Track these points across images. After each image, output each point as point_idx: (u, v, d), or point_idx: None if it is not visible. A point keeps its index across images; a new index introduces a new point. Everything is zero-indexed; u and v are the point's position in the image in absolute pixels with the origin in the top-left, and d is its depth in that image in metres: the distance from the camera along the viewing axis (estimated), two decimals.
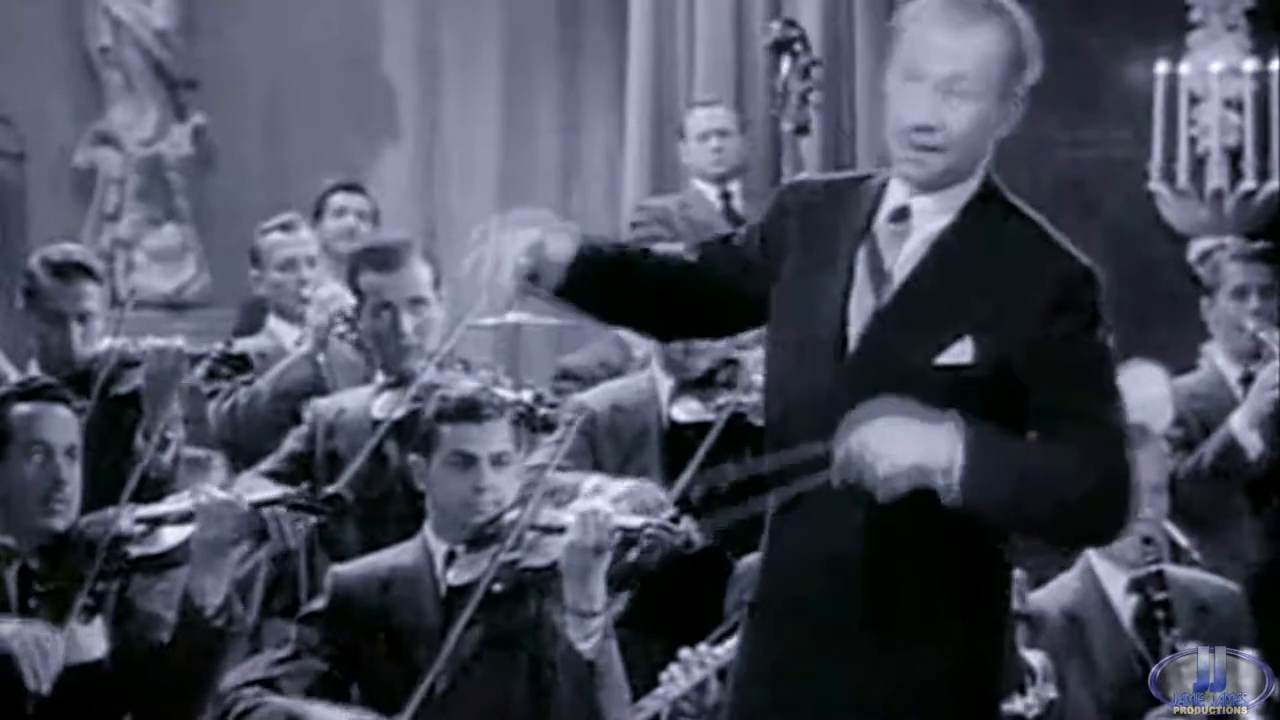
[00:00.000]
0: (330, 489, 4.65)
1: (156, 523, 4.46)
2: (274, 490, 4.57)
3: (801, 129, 7.41)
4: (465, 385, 4.66)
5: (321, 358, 5.82)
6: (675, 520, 4.45)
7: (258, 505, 4.42)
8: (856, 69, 8.25)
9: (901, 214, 3.21)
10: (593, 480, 4.98)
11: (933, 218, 3.20)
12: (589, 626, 4.36)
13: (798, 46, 7.48)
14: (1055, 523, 3.18)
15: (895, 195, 3.23)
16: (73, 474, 4.51)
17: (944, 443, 3.04)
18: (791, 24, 7.68)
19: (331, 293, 5.70)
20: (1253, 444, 5.83)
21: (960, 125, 3.16)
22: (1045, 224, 3.26)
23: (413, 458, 4.68)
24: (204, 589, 4.34)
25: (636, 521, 4.42)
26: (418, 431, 4.67)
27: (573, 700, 4.38)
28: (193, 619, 4.35)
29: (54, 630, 4.28)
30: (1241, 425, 5.87)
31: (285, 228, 6.36)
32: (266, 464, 5.22)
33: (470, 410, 4.57)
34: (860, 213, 3.25)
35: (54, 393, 4.61)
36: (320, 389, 5.56)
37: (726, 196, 7.60)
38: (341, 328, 5.60)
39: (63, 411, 4.56)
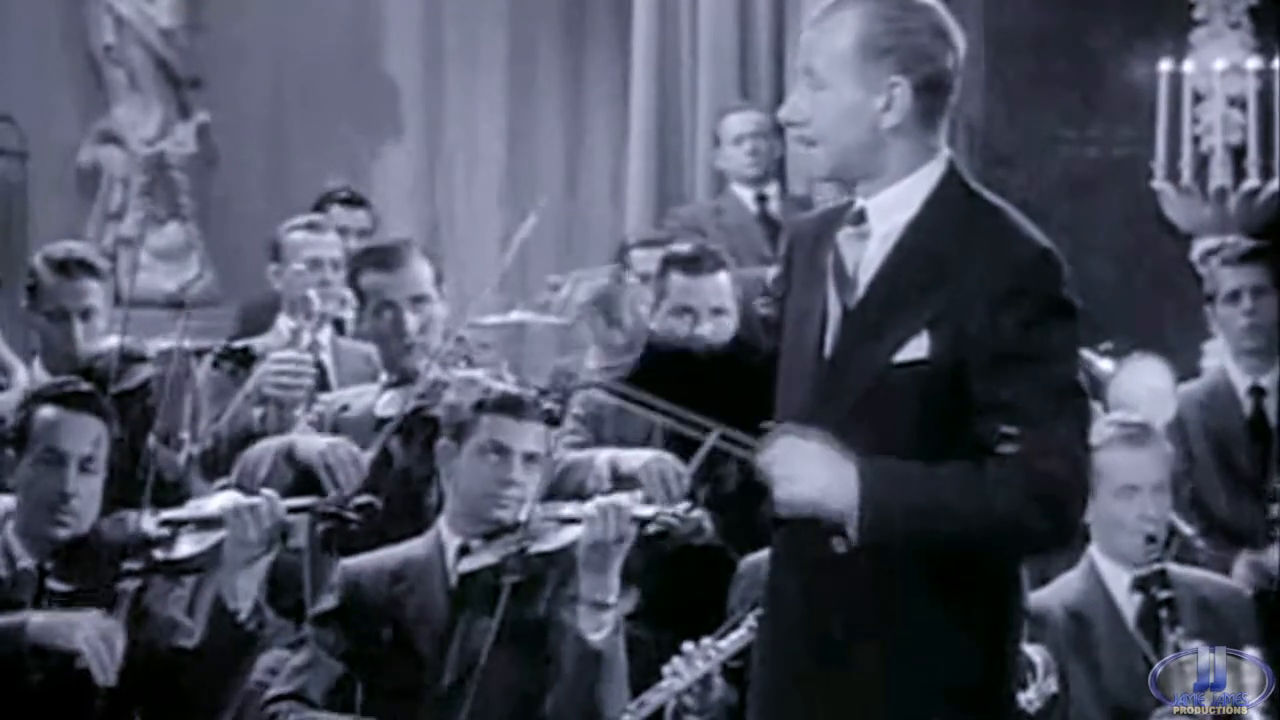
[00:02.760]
0: (362, 498, 4.64)
1: (180, 526, 4.45)
2: (307, 499, 4.57)
3: None
4: (490, 385, 4.71)
5: (328, 358, 5.83)
6: (689, 510, 4.46)
7: (292, 511, 4.43)
8: None
9: (859, 217, 3.23)
10: (605, 454, 5.01)
11: (891, 215, 3.20)
12: (601, 618, 4.38)
13: None
14: (978, 548, 3.14)
15: (857, 200, 3.25)
16: (85, 486, 4.46)
17: (842, 489, 3.05)
18: None
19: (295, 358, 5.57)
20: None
21: (823, 116, 3.18)
22: (1007, 209, 3.22)
23: (442, 442, 4.70)
24: (236, 592, 4.34)
25: (650, 511, 4.43)
26: (450, 419, 4.70)
27: (573, 691, 4.38)
28: (223, 622, 4.34)
29: (115, 619, 4.28)
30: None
31: (312, 227, 6.34)
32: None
33: (511, 405, 4.62)
34: (840, 224, 3.27)
35: (85, 400, 4.56)
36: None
37: (762, 199, 7.64)
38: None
39: (88, 420, 4.51)
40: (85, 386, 4.66)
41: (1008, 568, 3.26)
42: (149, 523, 4.41)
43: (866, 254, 3.20)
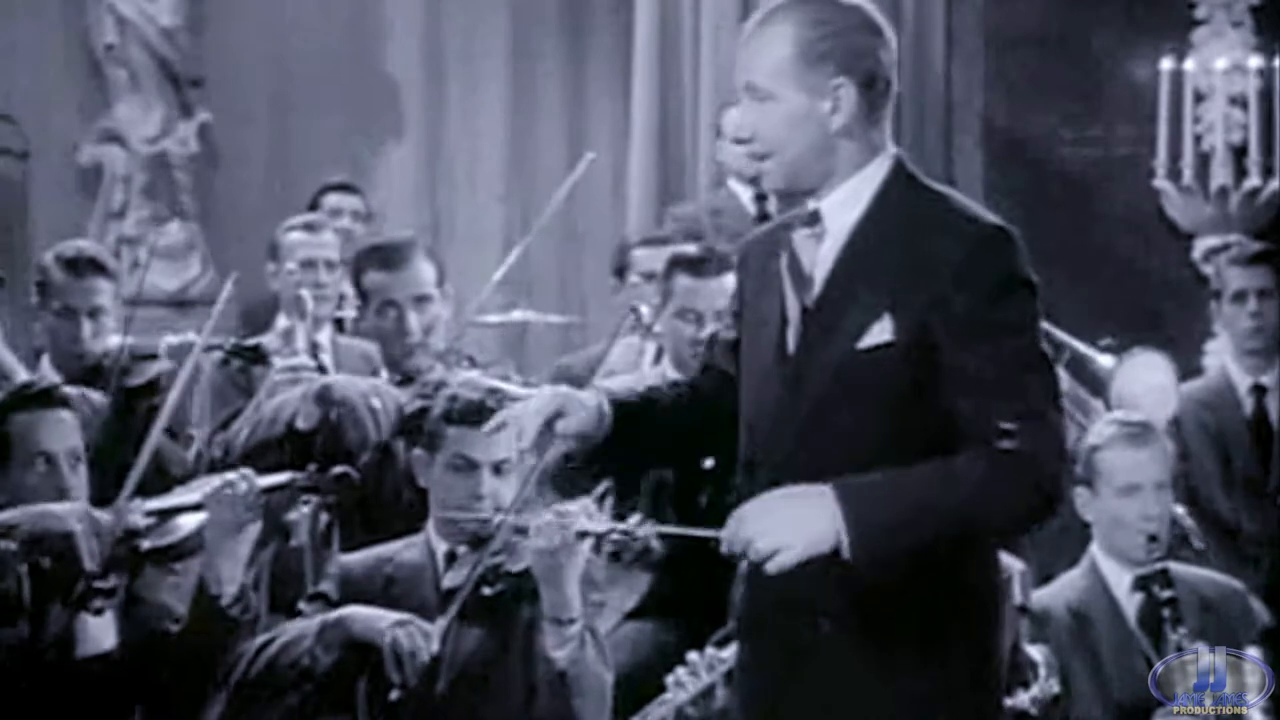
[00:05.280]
0: (338, 469, 4.63)
1: (166, 515, 4.45)
2: (283, 475, 4.56)
3: None
4: (475, 388, 4.66)
5: (328, 358, 5.83)
6: (638, 525, 4.43)
7: (268, 490, 4.43)
8: None
9: (813, 218, 3.27)
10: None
11: (843, 214, 3.25)
12: (565, 633, 4.34)
13: None
14: (976, 533, 3.17)
15: (809, 203, 3.29)
16: (77, 478, 4.47)
17: (825, 520, 3.05)
18: None
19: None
20: None
21: (771, 128, 3.23)
22: (955, 195, 3.28)
23: (416, 452, 4.69)
24: (220, 576, 4.33)
25: (601, 527, 4.39)
26: (424, 429, 4.67)
27: (550, 704, 4.37)
28: (207, 607, 4.33)
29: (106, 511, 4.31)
30: None
31: (309, 227, 6.35)
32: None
33: (476, 415, 4.55)
34: (792, 231, 3.32)
35: (53, 397, 4.56)
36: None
37: (762, 199, 7.61)
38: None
39: (63, 415, 4.51)
40: (47, 383, 4.68)
41: (990, 569, 3.28)
42: (135, 514, 4.41)
43: (821, 253, 3.25)
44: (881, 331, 3.15)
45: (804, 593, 3.18)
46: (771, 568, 3.07)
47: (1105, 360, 6.01)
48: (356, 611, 4.42)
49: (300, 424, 5.06)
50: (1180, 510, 5.23)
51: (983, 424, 3.09)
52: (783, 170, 3.25)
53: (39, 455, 4.45)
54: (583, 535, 4.31)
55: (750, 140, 3.26)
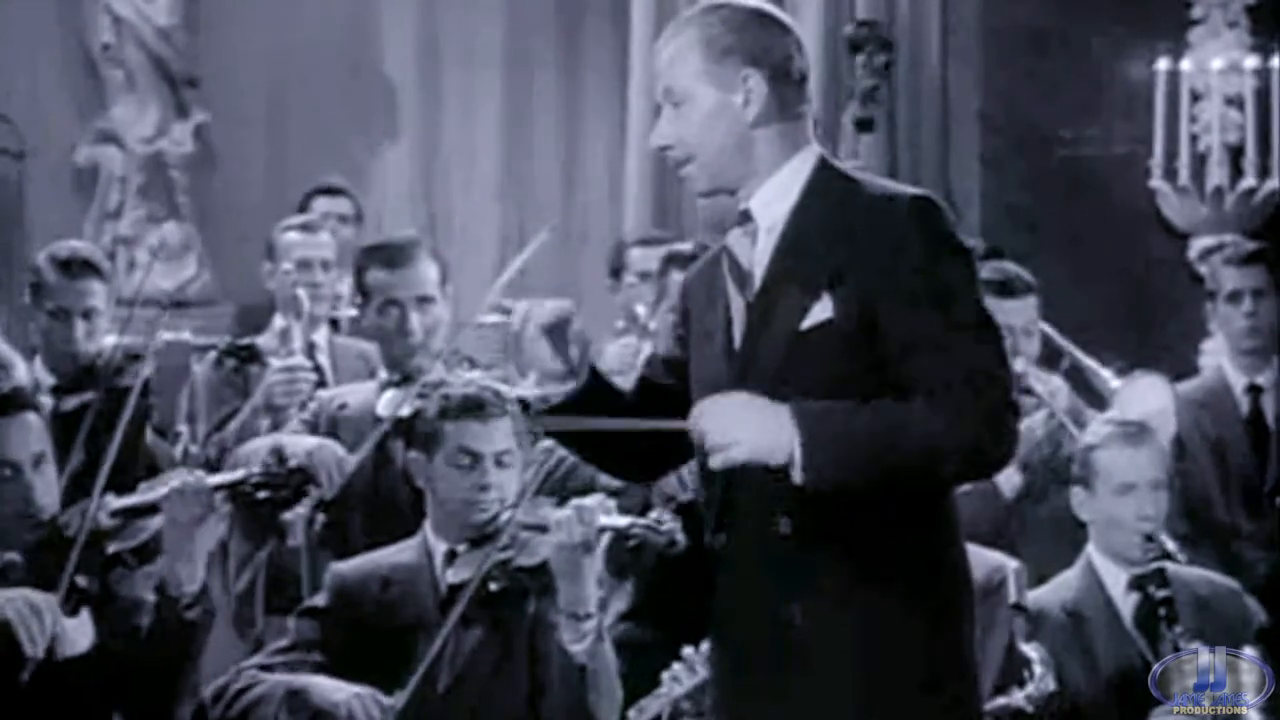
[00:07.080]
0: (294, 462, 4.60)
1: (131, 514, 4.42)
2: (237, 472, 4.54)
3: (863, 124, 7.47)
4: (469, 383, 4.65)
5: (325, 359, 5.83)
6: (660, 520, 4.44)
7: (219, 488, 4.40)
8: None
9: (744, 217, 3.33)
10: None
11: (773, 208, 3.31)
12: (582, 629, 4.33)
13: (870, 46, 7.53)
14: (923, 476, 3.19)
15: (739, 205, 3.35)
16: (43, 480, 4.41)
17: (781, 433, 3.09)
18: (865, 24, 7.75)
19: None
20: None
21: (689, 129, 3.31)
22: (879, 179, 3.37)
23: (412, 454, 4.68)
24: (179, 576, 4.30)
25: (623, 521, 4.39)
26: (419, 429, 4.66)
27: (564, 700, 4.37)
28: (168, 609, 4.31)
29: (46, 593, 4.25)
30: None
31: (306, 227, 6.34)
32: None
33: (474, 408, 4.56)
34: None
35: (15, 401, 4.51)
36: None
37: None
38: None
39: (28, 419, 4.43)
40: (9, 387, 4.64)
41: (954, 551, 3.30)
42: (102, 514, 4.38)
43: (757, 249, 3.31)
44: (822, 310, 3.20)
45: (769, 578, 3.21)
46: (718, 462, 3.12)
47: (1113, 382, 6.02)
48: (318, 682, 4.42)
49: None
50: (1164, 535, 5.23)
51: (930, 388, 3.12)
52: (705, 171, 3.33)
53: (3, 464, 4.42)
54: (604, 530, 4.32)
55: (672, 147, 3.33)
